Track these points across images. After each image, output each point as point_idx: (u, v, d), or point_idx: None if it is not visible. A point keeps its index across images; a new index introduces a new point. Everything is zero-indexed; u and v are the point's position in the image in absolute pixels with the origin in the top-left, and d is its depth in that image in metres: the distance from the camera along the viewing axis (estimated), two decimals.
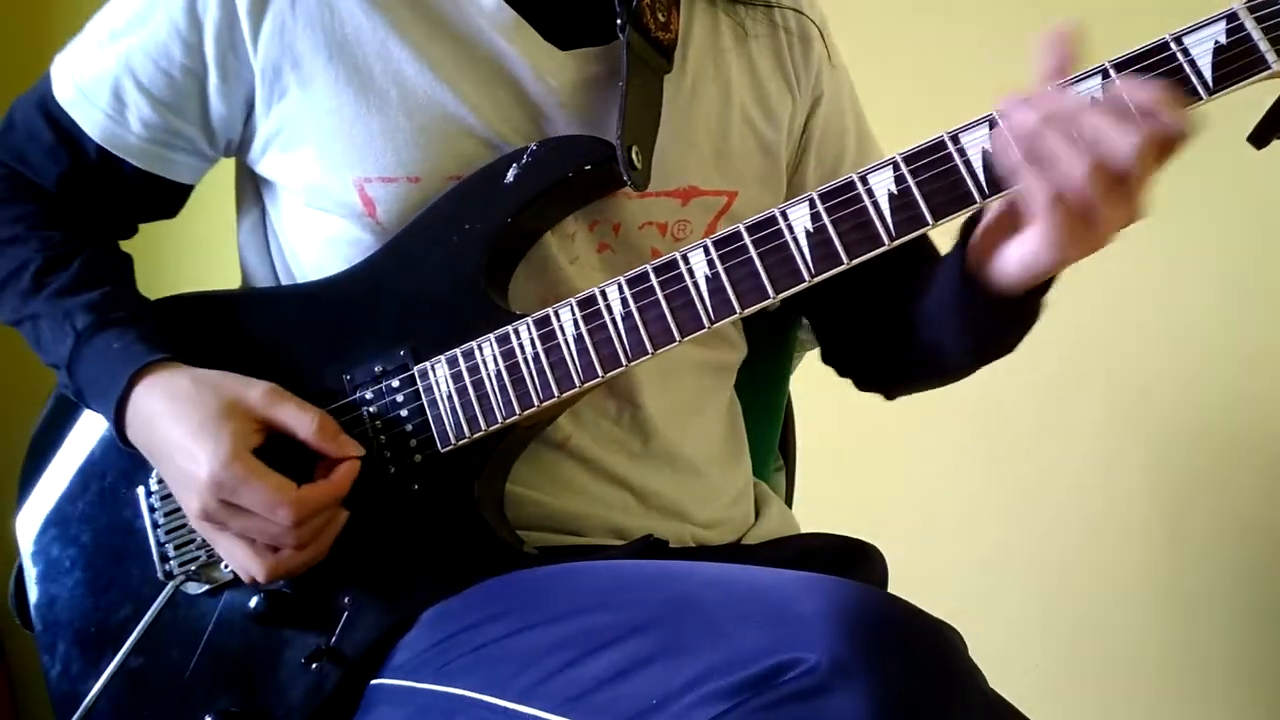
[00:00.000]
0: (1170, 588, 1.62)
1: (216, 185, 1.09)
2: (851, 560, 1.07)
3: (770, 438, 1.24)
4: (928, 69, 1.74)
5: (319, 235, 0.99)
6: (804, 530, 1.16)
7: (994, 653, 0.77)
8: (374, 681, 0.92)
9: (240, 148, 1.03)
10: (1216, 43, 0.79)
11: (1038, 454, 1.71)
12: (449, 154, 0.95)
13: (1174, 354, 1.61)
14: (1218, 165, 1.50)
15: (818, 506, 1.27)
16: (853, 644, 0.66)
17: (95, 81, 0.99)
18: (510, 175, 0.94)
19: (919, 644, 0.68)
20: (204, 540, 0.96)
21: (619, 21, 0.96)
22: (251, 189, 1.06)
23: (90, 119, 0.99)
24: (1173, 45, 0.80)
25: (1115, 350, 1.65)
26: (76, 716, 0.93)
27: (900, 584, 1.00)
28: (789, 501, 1.27)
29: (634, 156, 0.94)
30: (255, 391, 0.91)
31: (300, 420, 0.90)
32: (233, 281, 1.11)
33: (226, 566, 0.95)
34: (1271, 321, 1.55)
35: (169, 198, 1.05)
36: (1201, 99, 0.79)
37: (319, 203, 0.97)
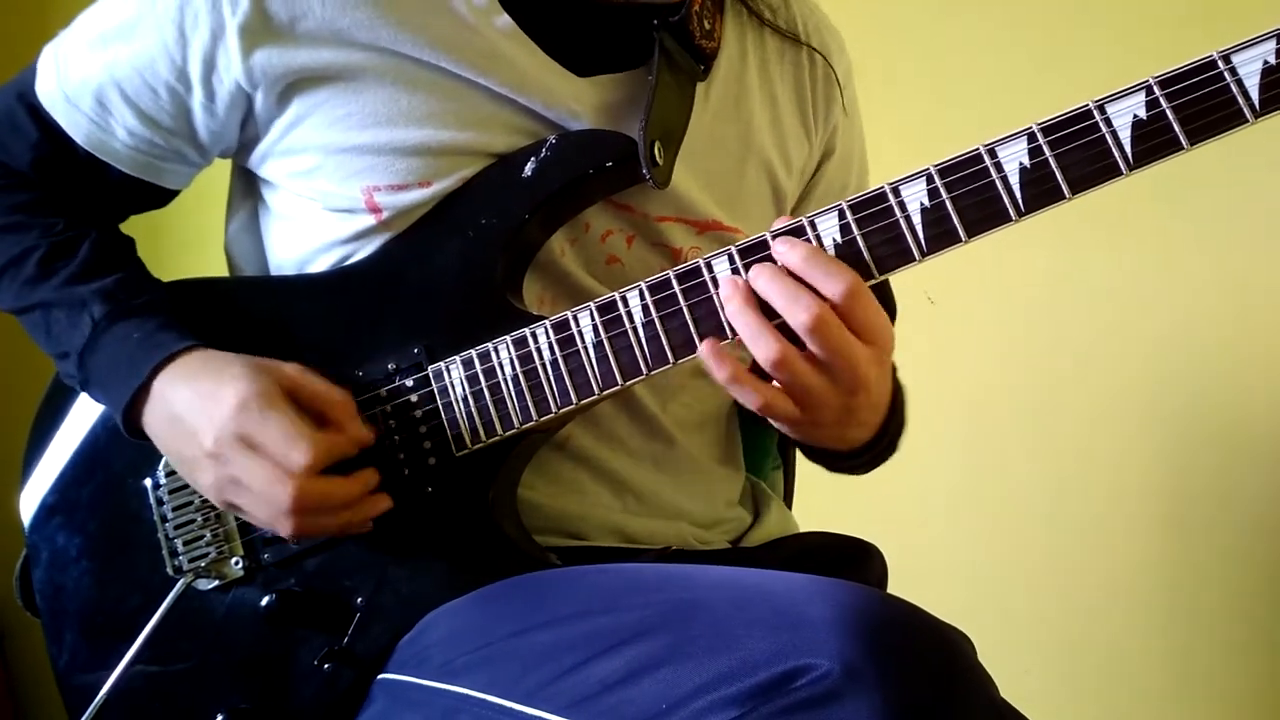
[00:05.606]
0: (1172, 588, 1.63)
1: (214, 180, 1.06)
2: (851, 560, 1.07)
3: (768, 436, 1.22)
4: (930, 70, 1.71)
5: (317, 234, 0.96)
6: (804, 529, 1.15)
7: (994, 653, 0.77)
8: (378, 676, 0.91)
9: (237, 154, 1.00)
10: (1266, 63, 0.76)
11: (1038, 453, 1.70)
12: (459, 169, 0.92)
13: (1175, 353, 1.60)
14: (1218, 164, 1.48)
15: (817, 506, 1.26)
16: (863, 650, 0.65)
17: (80, 86, 0.95)
18: (528, 169, 0.92)
19: (930, 650, 0.68)
20: (213, 536, 0.95)
21: (654, 21, 0.93)
22: (244, 185, 1.03)
23: (75, 123, 0.96)
24: (1220, 64, 0.77)
25: (1116, 350, 1.63)
26: (89, 713, 0.92)
27: (900, 583, 1.00)
28: (788, 501, 1.26)
29: (656, 152, 0.91)
30: (288, 365, 0.90)
31: (330, 391, 0.89)
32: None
33: (237, 563, 0.95)
34: (1273, 321, 1.53)
35: (159, 196, 1.02)
36: (1248, 121, 0.77)
37: (322, 204, 0.94)
